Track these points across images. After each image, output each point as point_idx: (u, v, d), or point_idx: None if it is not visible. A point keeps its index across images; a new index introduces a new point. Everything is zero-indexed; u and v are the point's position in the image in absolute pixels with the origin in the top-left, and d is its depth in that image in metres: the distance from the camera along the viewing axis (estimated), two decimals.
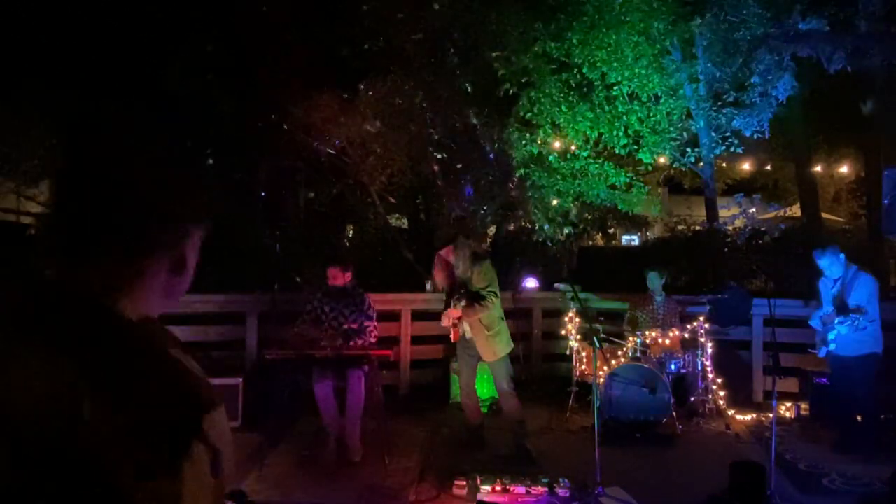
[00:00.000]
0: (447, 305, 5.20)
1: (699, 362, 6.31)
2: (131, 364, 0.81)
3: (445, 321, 5.21)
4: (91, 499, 0.73)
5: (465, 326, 5.21)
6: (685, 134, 9.86)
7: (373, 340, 5.36)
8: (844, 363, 5.40)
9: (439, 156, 9.72)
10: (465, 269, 5.15)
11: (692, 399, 6.39)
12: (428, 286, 7.83)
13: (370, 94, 8.85)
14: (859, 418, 5.43)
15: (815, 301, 5.92)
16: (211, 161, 8.29)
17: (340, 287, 5.39)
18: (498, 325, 5.22)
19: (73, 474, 0.73)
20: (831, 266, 5.41)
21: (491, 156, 9.67)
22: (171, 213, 0.93)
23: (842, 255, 5.41)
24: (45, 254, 0.89)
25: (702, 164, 10.19)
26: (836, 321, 5.27)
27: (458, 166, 9.87)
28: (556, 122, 9.78)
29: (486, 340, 5.17)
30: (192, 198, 0.98)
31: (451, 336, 5.30)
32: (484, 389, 6.45)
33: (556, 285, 7.85)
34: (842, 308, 5.28)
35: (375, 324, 5.46)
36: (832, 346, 5.41)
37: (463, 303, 5.03)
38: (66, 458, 0.73)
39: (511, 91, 9.78)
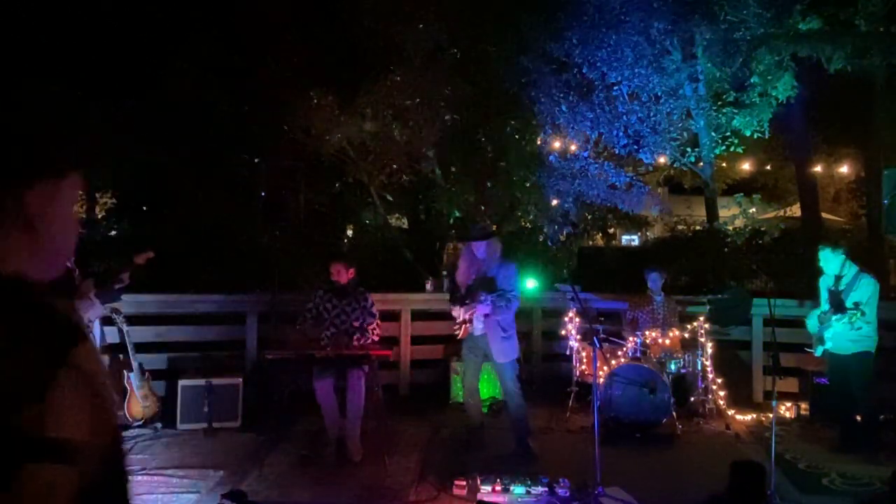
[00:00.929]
0: (463, 300, 5.16)
1: (699, 362, 6.30)
2: None
3: (464, 314, 5.15)
4: None
5: (478, 325, 5.16)
6: (685, 134, 9.86)
7: (375, 339, 5.37)
8: (841, 361, 5.41)
9: (438, 157, 9.73)
10: (494, 267, 5.12)
11: (692, 399, 6.39)
12: (428, 286, 7.84)
13: (370, 94, 8.85)
14: (859, 418, 5.43)
15: (811, 301, 5.93)
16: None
17: (343, 285, 5.39)
18: (512, 328, 5.23)
19: None
20: (827, 262, 5.44)
21: (491, 156, 9.66)
22: None
23: (841, 254, 5.41)
24: None
25: (702, 164, 10.19)
26: (833, 318, 5.27)
27: (458, 166, 9.88)
28: (556, 122, 9.78)
29: (501, 342, 5.15)
30: (22, 146, 0.93)
31: (460, 333, 5.27)
32: (484, 389, 6.44)
33: (556, 285, 7.85)
34: (838, 305, 5.29)
35: (378, 322, 5.46)
36: (828, 345, 5.41)
37: (490, 298, 4.97)
38: None
39: (511, 91, 9.79)
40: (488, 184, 9.52)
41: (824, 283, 5.59)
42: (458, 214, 9.70)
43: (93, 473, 0.88)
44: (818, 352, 5.59)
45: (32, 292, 0.93)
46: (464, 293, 5.21)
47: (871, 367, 5.34)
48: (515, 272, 5.18)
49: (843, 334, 5.30)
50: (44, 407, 0.83)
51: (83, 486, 0.87)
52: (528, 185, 9.77)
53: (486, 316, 5.09)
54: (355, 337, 5.23)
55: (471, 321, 5.18)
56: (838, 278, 5.44)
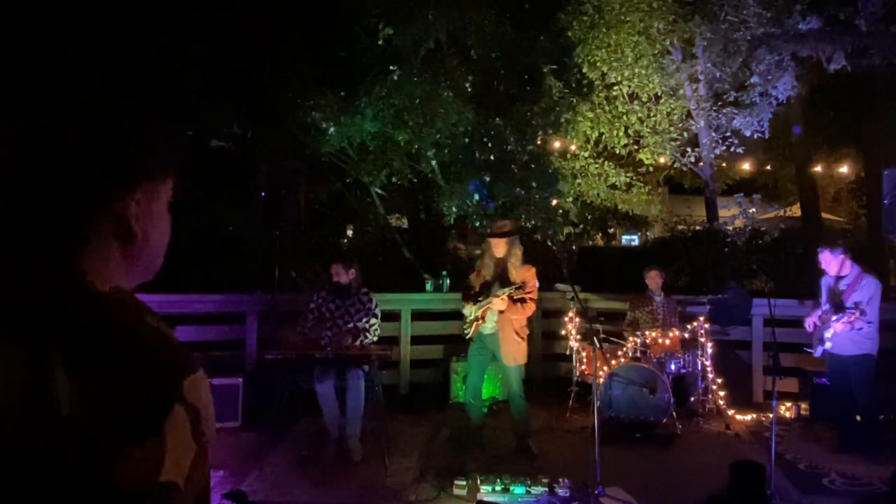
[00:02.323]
0: (476, 297, 5.15)
1: (699, 362, 6.30)
2: (103, 332, 0.80)
3: (476, 310, 5.12)
4: (73, 470, 0.73)
5: (490, 321, 5.15)
6: (685, 134, 9.87)
7: (375, 339, 5.37)
8: (842, 362, 5.40)
9: (438, 158, 9.73)
10: (515, 266, 5.09)
11: (692, 399, 6.39)
12: (428, 286, 7.83)
13: (370, 94, 8.85)
14: (858, 418, 5.43)
15: (812, 301, 5.90)
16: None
17: (344, 285, 5.39)
18: (525, 333, 5.22)
19: (53, 452, 0.73)
20: (826, 263, 5.42)
21: (491, 156, 9.66)
22: (79, 175, 0.86)
23: (840, 254, 5.40)
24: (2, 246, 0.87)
25: (702, 164, 10.20)
26: (833, 318, 5.27)
27: (458, 166, 9.88)
28: (557, 122, 9.78)
29: (514, 345, 5.14)
30: (113, 156, 0.89)
31: (471, 332, 5.25)
32: (485, 390, 6.44)
33: (556, 285, 7.85)
34: (839, 306, 5.28)
35: (378, 322, 5.46)
36: (828, 345, 5.41)
37: (507, 291, 4.93)
38: (44, 440, 0.73)
39: (511, 91, 9.79)
40: (487, 179, 9.51)
41: (826, 283, 5.59)
42: (458, 214, 9.69)
43: None
44: (818, 352, 5.58)
45: (137, 313, 0.86)
46: (480, 289, 5.19)
47: (874, 370, 5.33)
48: (534, 275, 5.16)
49: (843, 334, 5.28)
50: (159, 444, 0.76)
51: None
52: (528, 184, 9.76)
53: (500, 312, 5.06)
54: (358, 340, 5.23)
55: (483, 318, 5.16)
56: (839, 278, 5.44)
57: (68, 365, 0.75)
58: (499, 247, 5.11)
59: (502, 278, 5.09)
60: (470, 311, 5.21)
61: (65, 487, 0.73)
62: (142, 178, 0.92)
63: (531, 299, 5.05)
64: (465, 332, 5.35)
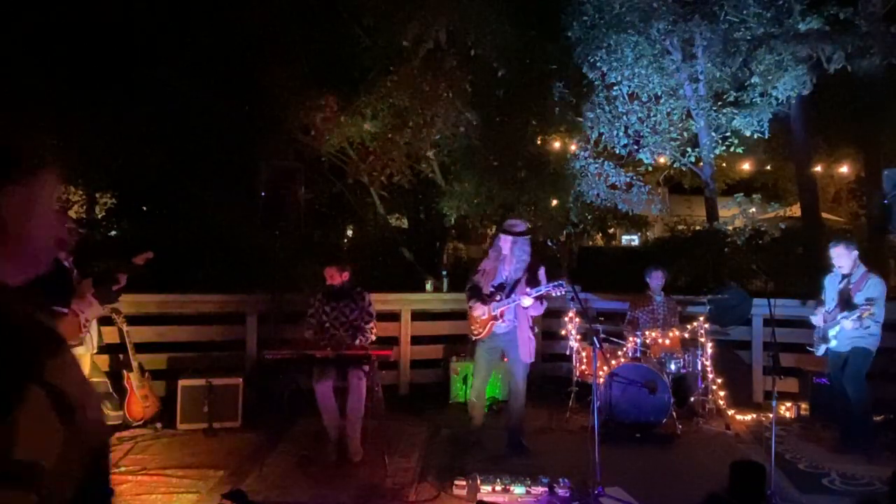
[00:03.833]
0: (490, 298, 5.14)
1: (699, 362, 6.30)
2: None
3: (493, 309, 5.11)
4: None
5: (508, 320, 5.15)
6: (685, 134, 9.86)
7: (372, 338, 5.37)
8: (841, 359, 5.39)
9: (439, 157, 9.72)
10: (527, 264, 5.11)
11: (692, 399, 6.39)
12: (428, 286, 7.83)
13: (370, 94, 8.85)
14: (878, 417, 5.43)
15: (815, 300, 5.86)
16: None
17: (338, 287, 5.40)
18: (535, 331, 5.28)
19: None
20: (840, 257, 5.37)
21: (491, 156, 9.66)
22: None
23: (854, 250, 5.39)
24: None
25: (702, 164, 10.19)
26: (840, 316, 5.24)
27: (458, 166, 9.88)
28: (557, 122, 9.78)
29: (528, 342, 5.19)
30: None
31: (483, 332, 5.23)
32: (486, 390, 6.45)
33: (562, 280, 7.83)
34: (848, 303, 5.25)
35: (375, 322, 5.47)
36: (833, 343, 5.38)
37: (548, 287, 4.95)
38: None
39: (511, 91, 9.78)
40: (487, 181, 9.51)
41: (832, 282, 5.53)
42: (458, 214, 9.69)
43: (61, 497, 0.81)
44: (820, 351, 5.57)
45: (6, 300, 0.86)
46: (494, 290, 5.18)
47: (867, 365, 5.31)
48: (545, 272, 5.19)
49: (848, 332, 5.26)
50: (8, 427, 0.76)
51: None
52: (527, 184, 9.76)
53: (524, 309, 5.09)
54: (357, 339, 5.23)
55: (502, 317, 5.16)
56: (846, 277, 5.41)
57: None
58: (514, 244, 5.12)
59: (528, 276, 5.10)
60: (483, 311, 5.19)
61: None
62: (13, 172, 0.92)
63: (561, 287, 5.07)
64: (475, 332, 5.32)
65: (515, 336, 5.17)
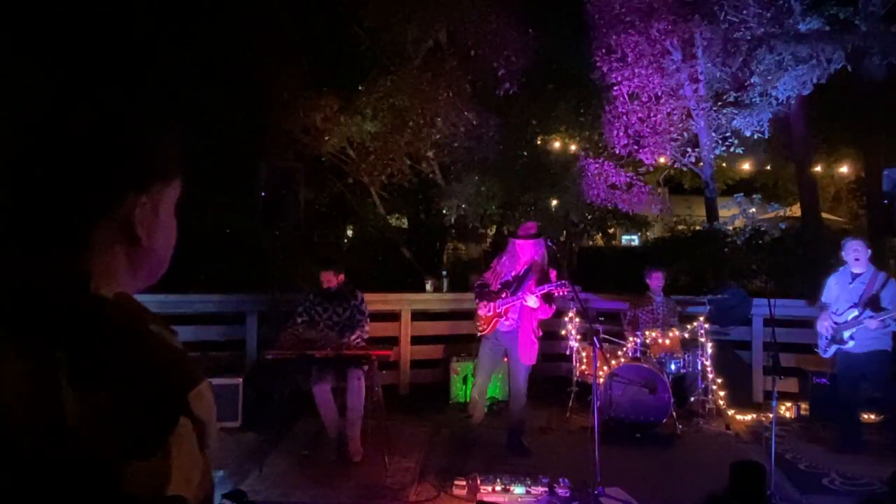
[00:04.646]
0: (496, 295, 5.15)
1: (699, 362, 6.30)
2: (107, 342, 0.78)
3: (499, 306, 5.13)
4: (79, 485, 0.72)
5: (512, 318, 5.15)
6: (685, 134, 9.87)
7: (364, 336, 5.35)
8: (857, 360, 5.28)
9: (438, 157, 9.72)
10: (543, 266, 5.14)
11: (692, 399, 6.39)
12: (428, 286, 7.84)
13: (370, 94, 8.86)
14: (873, 417, 5.39)
15: (819, 301, 5.70)
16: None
17: (333, 289, 5.42)
18: (539, 333, 5.27)
19: (59, 464, 0.72)
20: (859, 252, 5.28)
21: (491, 156, 9.66)
22: (84, 175, 0.84)
23: (868, 247, 5.36)
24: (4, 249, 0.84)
25: (702, 164, 10.20)
26: (865, 315, 5.15)
27: (458, 166, 9.88)
28: (557, 122, 9.78)
29: (530, 344, 5.19)
30: (119, 157, 0.86)
31: (487, 329, 5.23)
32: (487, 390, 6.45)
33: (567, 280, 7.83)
34: (872, 304, 5.18)
35: (367, 319, 5.45)
36: (851, 344, 5.28)
37: (538, 290, 4.98)
38: (50, 451, 0.72)
39: (511, 91, 9.79)
40: (487, 181, 9.52)
41: (841, 282, 5.44)
42: (458, 214, 9.70)
43: None
44: (829, 353, 5.48)
45: (142, 321, 0.84)
46: (501, 287, 5.19)
47: (892, 366, 5.27)
48: (556, 276, 5.20)
49: (869, 332, 5.17)
50: (165, 459, 0.74)
51: None
52: (527, 184, 9.77)
53: (531, 310, 5.10)
54: (355, 335, 5.23)
55: (506, 314, 5.16)
56: (856, 275, 5.34)
57: (72, 374, 0.73)
58: (526, 249, 5.14)
59: (538, 276, 5.12)
60: (488, 309, 5.20)
61: (70, 500, 0.72)
62: (148, 181, 0.90)
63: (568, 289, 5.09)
64: (480, 328, 5.33)
65: (517, 336, 5.17)
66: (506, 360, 5.46)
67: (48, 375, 0.73)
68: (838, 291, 5.47)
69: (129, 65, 8.96)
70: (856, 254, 5.33)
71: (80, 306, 0.80)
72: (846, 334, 5.31)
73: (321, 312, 5.41)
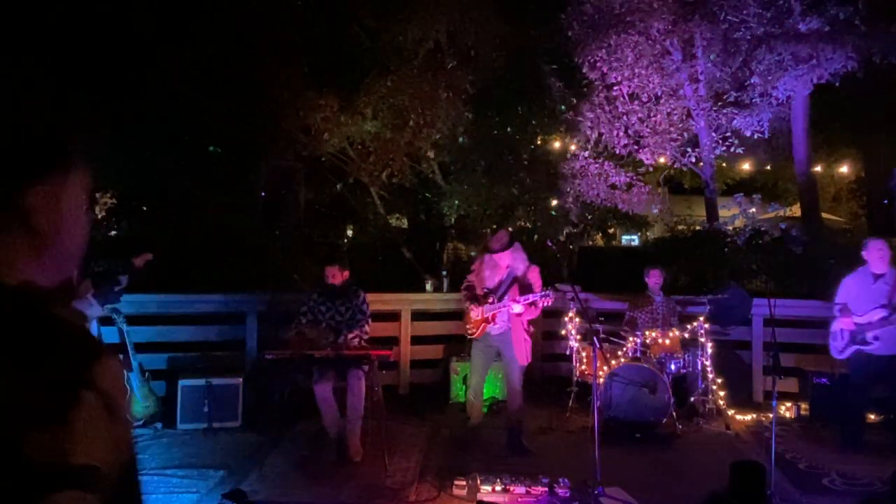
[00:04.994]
0: (484, 299, 5.17)
1: (699, 362, 6.30)
2: (6, 324, 0.81)
3: (487, 311, 5.16)
4: None
5: (501, 323, 5.17)
6: (685, 134, 9.87)
7: (365, 336, 5.35)
8: (879, 362, 5.23)
9: (438, 157, 9.72)
10: (521, 268, 5.15)
11: (692, 399, 6.38)
12: (428, 286, 7.84)
13: (370, 94, 8.86)
14: (873, 417, 5.37)
15: (836, 302, 5.58)
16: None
17: (337, 286, 5.40)
18: (531, 331, 5.32)
19: None
20: (883, 251, 5.23)
21: (490, 156, 9.66)
22: None
23: (889, 248, 5.34)
24: None
25: (702, 164, 10.19)
26: None
27: (458, 166, 9.88)
28: (556, 122, 9.78)
29: (523, 344, 5.22)
30: (11, 148, 0.89)
31: (477, 332, 5.26)
32: (485, 390, 6.45)
33: (556, 285, 7.84)
34: None
35: (368, 319, 5.45)
36: (873, 345, 5.22)
37: (538, 295, 5.00)
38: None
39: (511, 91, 9.79)
40: (486, 182, 9.51)
41: (862, 283, 5.37)
42: (458, 214, 9.70)
43: (113, 499, 0.83)
44: (846, 354, 5.40)
45: (45, 303, 0.87)
46: (487, 292, 5.21)
47: None
48: (539, 274, 5.22)
49: (892, 334, 5.14)
50: (66, 431, 0.78)
51: None
52: (528, 184, 9.77)
53: (517, 315, 5.11)
54: (353, 334, 5.22)
55: (493, 320, 5.18)
56: (878, 276, 5.28)
57: None
58: (504, 259, 5.15)
59: (520, 280, 5.14)
60: (478, 313, 5.21)
61: None
62: (44, 171, 0.91)
63: (549, 296, 5.10)
64: (470, 331, 5.35)
65: (509, 337, 5.20)
66: (499, 360, 5.48)
67: None
68: (858, 292, 5.39)
69: (130, 72, 8.96)
70: (880, 253, 5.26)
71: None
72: (870, 335, 5.25)
73: (324, 311, 5.40)
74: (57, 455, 0.77)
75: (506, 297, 5.15)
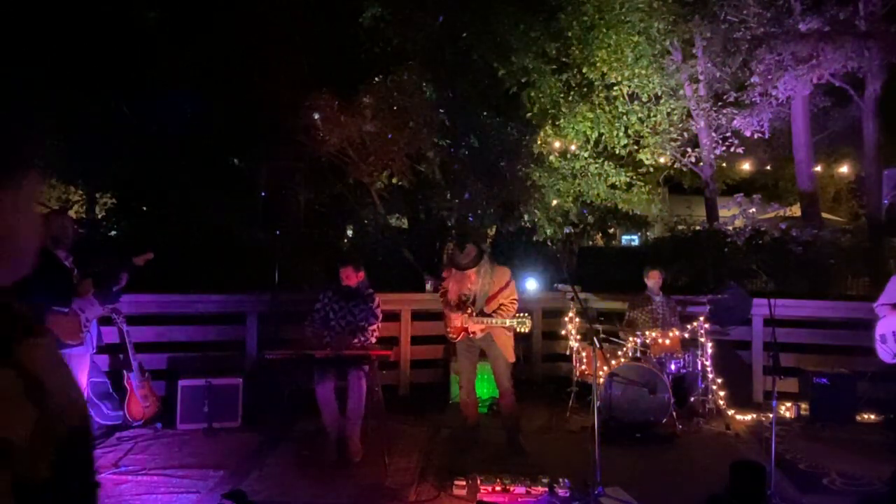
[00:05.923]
0: (462, 307, 5.18)
1: (699, 362, 6.30)
2: None
3: (472, 325, 5.15)
4: None
5: (478, 331, 5.18)
6: (685, 134, 9.87)
7: (372, 340, 5.36)
8: None
9: (439, 157, 9.72)
10: (486, 283, 5.15)
11: (692, 399, 6.38)
12: (428, 286, 7.84)
13: (370, 94, 8.86)
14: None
15: (882, 302, 5.49)
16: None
17: (352, 287, 5.39)
18: (512, 327, 5.28)
19: None
20: None
21: (491, 156, 9.66)
22: None
23: None
24: None
25: (702, 164, 10.20)
26: None
27: (457, 167, 9.88)
28: (557, 122, 9.78)
29: (507, 340, 5.23)
30: None
31: (458, 337, 5.27)
32: (484, 389, 6.45)
33: (556, 285, 7.85)
34: None
35: (379, 325, 5.46)
36: None
37: (508, 322, 5.06)
38: None
39: (511, 91, 9.79)
40: (489, 179, 9.51)
41: None
42: (458, 214, 9.70)
43: (35, 475, 0.83)
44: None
45: None
46: (465, 300, 5.20)
47: None
48: (512, 277, 5.23)
49: None
50: None
51: (21, 486, 0.81)
52: (528, 184, 9.76)
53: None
54: (356, 339, 5.23)
55: (472, 331, 5.19)
56: None
57: None
58: (473, 275, 5.13)
59: (495, 291, 5.17)
60: (459, 321, 5.21)
61: None
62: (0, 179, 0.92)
63: (513, 301, 5.16)
64: (451, 335, 5.35)
65: (492, 339, 5.21)
66: (484, 359, 5.47)
67: None
68: None
69: (130, 72, 8.96)
70: None
71: None
72: None
73: (337, 311, 5.40)
74: None
75: (484, 309, 5.15)
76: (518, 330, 5.12)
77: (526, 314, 5.11)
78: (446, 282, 5.39)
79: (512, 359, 5.29)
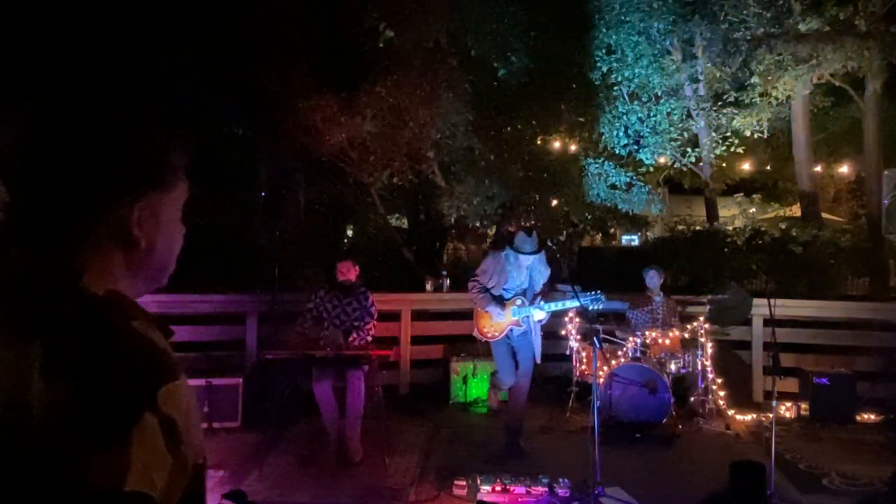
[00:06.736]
0: (501, 302, 5.12)
1: (699, 362, 6.30)
2: (83, 335, 0.80)
3: (513, 316, 5.10)
4: (35, 477, 0.73)
5: (523, 325, 5.13)
6: (685, 134, 9.87)
7: (369, 339, 5.35)
8: None
9: (439, 157, 9.72)
10: (541, 270, 5.17)
11: (692, 399, 6.38)
12: (428, 286, 7.83)
13: (370, 94, 8.85)
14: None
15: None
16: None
17: (348, 284, 5.38)
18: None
19: (19, 457, 0.74)
20: None
21: (491, 156, 9.66)
22: (83, 177, 0.86)
23: None
24: (7, 243, 0.87)
25: (702, 164, 10.20)
26: None
27: (458, 166, 9.88)
28: (556, 122, 9.78)
29: (539, 342, 5.19)
30: (118, 162, 0.89)
31: (500, 334, 5.14)
32: (483, 389, 6.44)
33: (556, 285, 7.84)
34: None
35: (375, 322, 5.46)
36: None
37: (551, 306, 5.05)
38: (12, 444, 0.74)
39: (511, 91, 9.79)
40: (487, 181, 9.50)
41: None
42: (458, 214, 9.69)
43: None
44: None
45: (128, 317, 0.85)
46: (515, 295, 5.15)
47: None
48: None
49: None
50: (123, 453, 0.75)
51: None
52: (528, 184, 9.76)
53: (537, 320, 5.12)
54: (351, 337, 5.23)
55: (520, 322, 5.12)
56: None
57: (44, 366, 0.76)
58: (527, 261, 5.06)
59: (545, 285, 5.21)
60: (502, 318, 5.10)
61: (28, 486, 0.73)
62: (147, 187, 0.92)
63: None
64: (488, 334, 5.20)
65: (529, 339, 5.15)
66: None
67: (23, 367, 0.75)
68: None
69: (130, 72, 8.96)
70: None
71: (64, 301, 0.82)
72: None
73: (331, 309, 5.39)
74: (111, 479, 0.74)
75: (538, 300, 5.10)
76: (590, 308, 4.99)
77: (599, 291, 4.95)
78: (484, 276, 5.19)
79: (539, 358, 5.23)
